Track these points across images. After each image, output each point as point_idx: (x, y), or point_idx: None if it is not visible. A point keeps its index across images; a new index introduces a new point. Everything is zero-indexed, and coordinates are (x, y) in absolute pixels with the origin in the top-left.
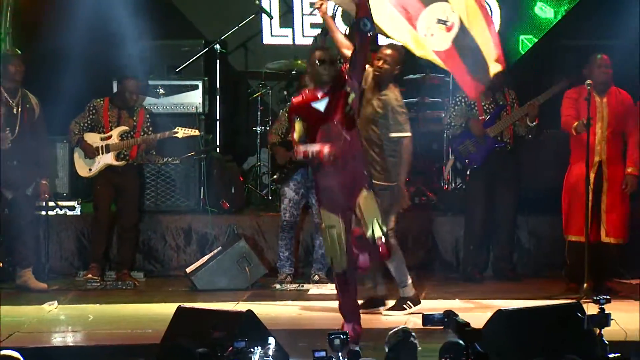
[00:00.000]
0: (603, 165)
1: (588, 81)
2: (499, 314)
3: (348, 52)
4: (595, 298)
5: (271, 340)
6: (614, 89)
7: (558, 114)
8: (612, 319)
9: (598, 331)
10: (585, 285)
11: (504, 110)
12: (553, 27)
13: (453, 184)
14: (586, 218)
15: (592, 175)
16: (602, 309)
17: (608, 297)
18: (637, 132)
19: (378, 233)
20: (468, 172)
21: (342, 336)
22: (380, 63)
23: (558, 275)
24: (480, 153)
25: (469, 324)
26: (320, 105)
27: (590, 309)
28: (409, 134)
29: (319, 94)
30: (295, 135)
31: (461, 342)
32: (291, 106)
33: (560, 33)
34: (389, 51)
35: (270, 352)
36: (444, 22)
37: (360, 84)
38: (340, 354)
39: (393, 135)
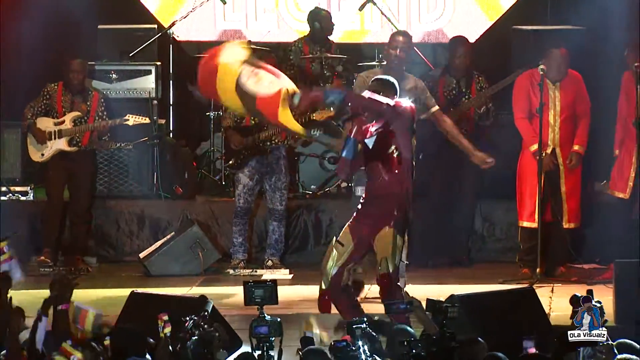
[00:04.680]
0: (557, 150)
1: (541, 66)
2: (452, 299)
3: None
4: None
5: (209, 306)
6: (569, 72)
7: (509, 97)
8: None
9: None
10: (538, 270)
11: (465, 97)
12: (506, 12)
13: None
14: (538, 204)
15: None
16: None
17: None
18: (587, 115)
19: (383, 270)
20: (420, 157)
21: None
22: (397, 51)
23: (511, 261)
24: (434, 140)
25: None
26: (370, 143)
27: (542, 294)
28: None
29: (372, 129)
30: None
31: (409, 328)
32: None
33: (514, 18)
34: (401, 38)
35: (203, 321)
36: None
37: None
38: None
39: (434, 109)
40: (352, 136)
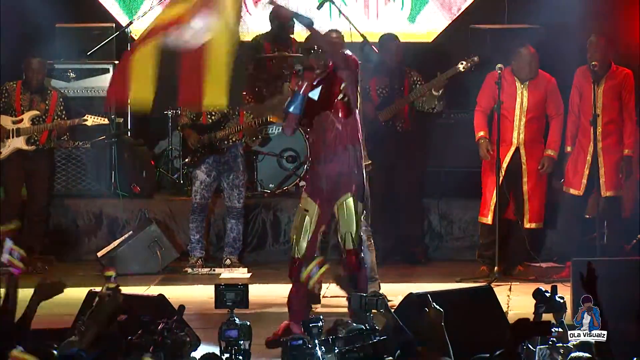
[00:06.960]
0: (521, 149)
1: (499, 65)
2: (410, 297)
3: None
4: None
5: (181, 311)
6: (539, 72)
7: (468, 96)
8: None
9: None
10: (496, 268)
11: (398, 94)
12: (463, 11)
13: None
14: (496, 201)
15: (508, 160)
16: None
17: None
18: (560, 117)
19: (349, 245)
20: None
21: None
22: None
23: (470, 259)
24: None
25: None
26: (314, 95)
27: (500, 292)
28: None
29: (314, 82)
30: None
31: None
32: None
33: (472, 17)
34: (334, 34)
35: (175, 325)
36: None
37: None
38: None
39: None
40: (301, 92)
